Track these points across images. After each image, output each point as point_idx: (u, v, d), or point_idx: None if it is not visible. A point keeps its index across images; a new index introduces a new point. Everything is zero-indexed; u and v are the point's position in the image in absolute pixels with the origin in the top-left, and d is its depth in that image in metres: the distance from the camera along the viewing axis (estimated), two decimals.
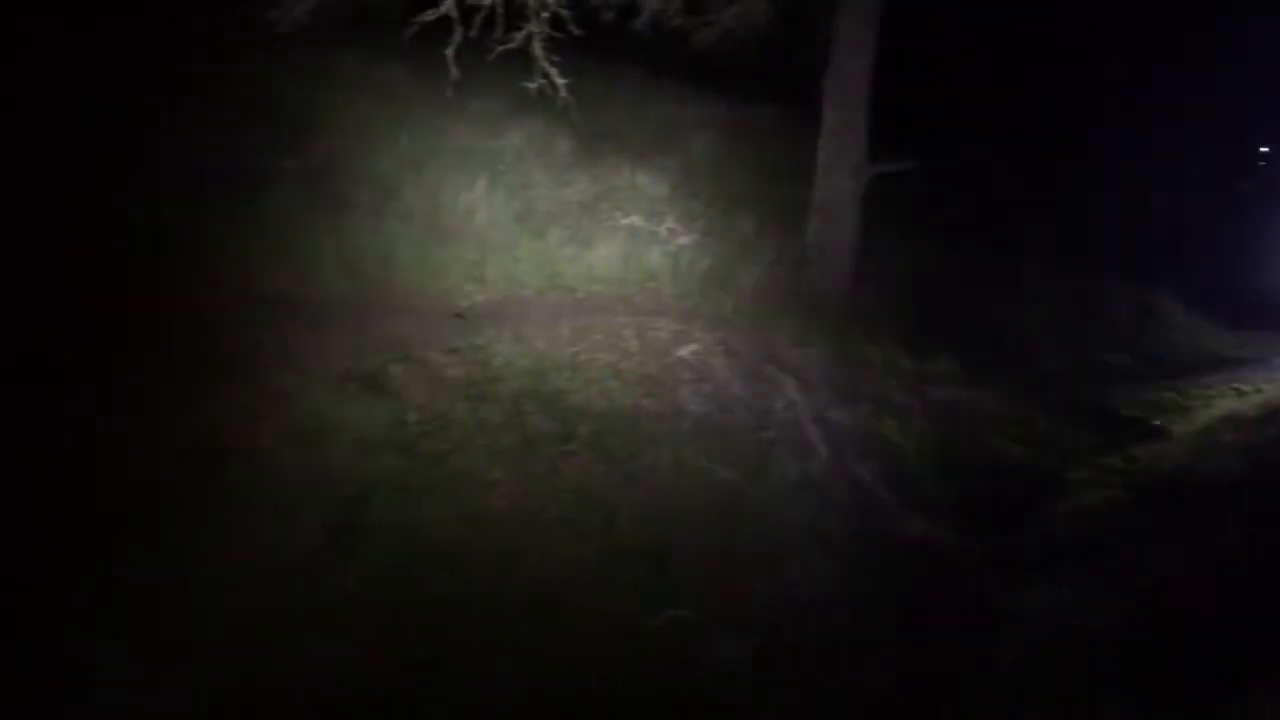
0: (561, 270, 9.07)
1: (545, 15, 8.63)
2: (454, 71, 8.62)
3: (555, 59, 8.71)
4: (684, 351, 8.08)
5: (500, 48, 8.64)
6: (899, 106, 11.41)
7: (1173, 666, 5.39)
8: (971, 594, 6.55)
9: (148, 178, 8.32)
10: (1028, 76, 16.44)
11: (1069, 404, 9.95)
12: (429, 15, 8.55)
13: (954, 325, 10.86)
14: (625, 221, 9.83)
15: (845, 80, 10.04)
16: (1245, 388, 10.34)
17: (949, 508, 7.55)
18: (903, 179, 10.73)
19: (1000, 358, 10.75)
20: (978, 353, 10.33)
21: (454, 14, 8.46)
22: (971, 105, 16.31)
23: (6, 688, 4.57)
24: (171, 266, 7.54)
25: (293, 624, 5.25)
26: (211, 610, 5.16)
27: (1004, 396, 9.63)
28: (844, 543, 6.95)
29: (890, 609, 6.49)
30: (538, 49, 8.65)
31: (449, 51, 8.49)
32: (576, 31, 8.77)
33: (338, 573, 5.62)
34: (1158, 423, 9.43)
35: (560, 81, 8.73)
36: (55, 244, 7.25)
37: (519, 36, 8.64)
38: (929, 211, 13.23)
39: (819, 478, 7.38)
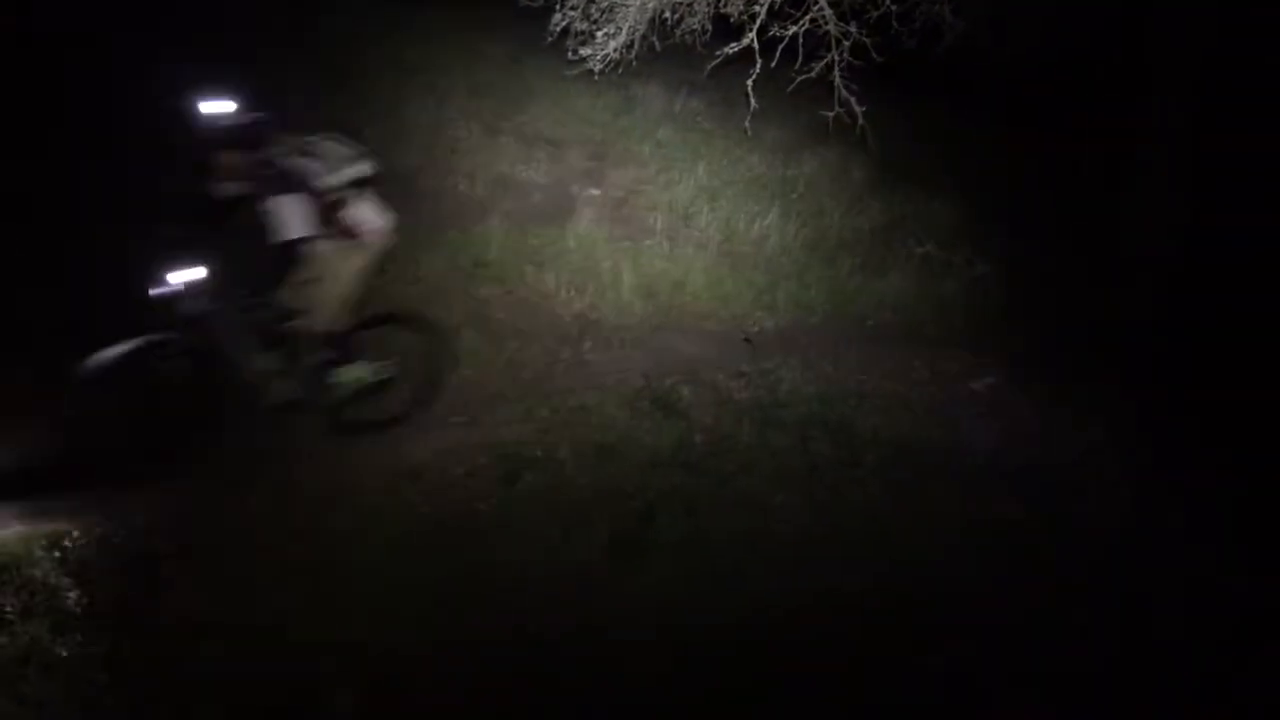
0: (852, 298, 9.01)
1: (846, 43, 8.65)
2: (752, 102, 8.81)
3: (854, 87, 8.70)
4: (978, 385, 7.79)
5: (800, 78, 8.74)
6: None
7: None
8: None
9: (466, 205, 9.09)
10: None
11: None
12: (731, 48, 8.78)
13: None
14: (920, 250, 9.63)
15: (1162, 105, 9.36)
16: None
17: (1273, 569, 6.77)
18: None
19: None
20: None
21: (755, 46, 8.64)
22: None
23: None
24: (483, 292, 8.18)
25: (576, 632, 5.49)
26: (500, 615, 5.51)
27: None
28: (1145, 600, 6.40)
29: (1197, 681, 5.90)
30: (837, 78, 8.68)
31: (749, 83, 8.67)
32: (878, 59, 8.72)
33: (618, 583, 5.83)
34: None
35: (858, 109, 8.71)
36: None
37: (818, 66, 8.70)
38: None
39: (1120, 527, 6.85)
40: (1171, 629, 6.22)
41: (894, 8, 9.25)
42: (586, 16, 9.48)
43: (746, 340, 8.15)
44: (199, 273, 5.52)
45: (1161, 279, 9.55)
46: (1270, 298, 9.80)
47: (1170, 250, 9.48)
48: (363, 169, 5.83)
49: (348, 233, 5.81)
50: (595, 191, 9.82)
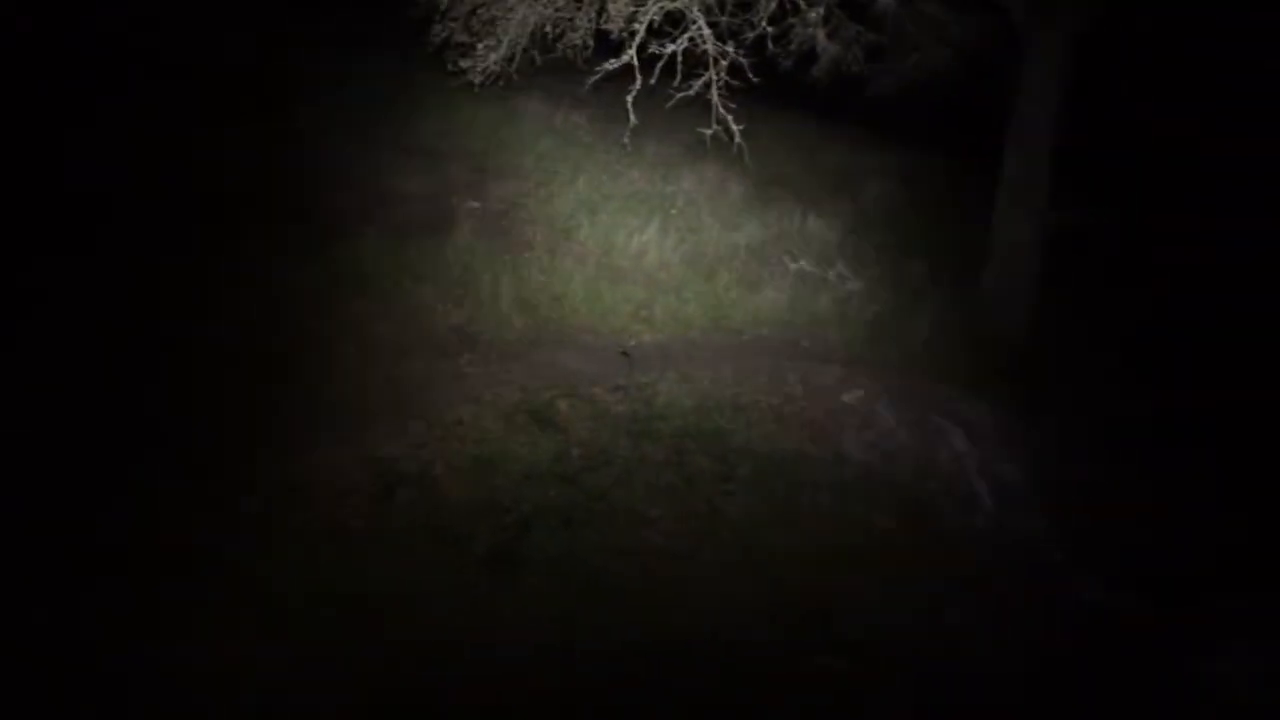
0: (728, 313, 9.15)
1: (724, 63, 8.80)
2: (632, 118, 8.89)
3: (732, 105, 8.86)
4: (849, 397, 8.00)
5: (679, 95, 8.86)
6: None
7: None
8: (1151, 663, 6.20)
9: (345, 217, 8.94)
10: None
11: None
12: (611, 64, 8.85)
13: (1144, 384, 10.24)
14: (794, 266, 9.84)
15: (1028, 126, 9.78)
16: None
17: (1131, 570, 7.16)
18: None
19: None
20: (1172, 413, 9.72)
21: (635, 63, 8.73)
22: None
23: None
24: (357, 303, 8.06)
25: (454, 649, 5.46)
26: (379, 633, 5.44)
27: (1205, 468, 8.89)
28: (1011, 601, 6.70)
29: (1061, 675, 6.21)
30: (715, 96, 8.82)
31: (628, 99, 8.75)
32: (754, 79, 8.90)
33: (498, 599, 5.81)
34: None
35: (735, 128, 8.87)
36: (248, 278, 7.89)
37: (697, 84, 8.83)
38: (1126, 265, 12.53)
39: (986, 532, 7.15)
40: (1040, 633, 6.54)
41: (769, 30, 9.46)
42: (467, 29, 9.44)
43: (624, 354, 8.21)
44: None
45: (1025, 291, 9.95)
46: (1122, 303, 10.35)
47: (1032, 262, 9.87)
48: None
49: None
50: (475, 204, 9.77)
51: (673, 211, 10.46)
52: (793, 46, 10.16)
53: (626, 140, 9.50)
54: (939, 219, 12.20)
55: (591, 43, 9.65)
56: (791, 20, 10.06)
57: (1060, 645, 6.48)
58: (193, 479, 6.06)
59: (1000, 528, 7.21)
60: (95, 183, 8.18)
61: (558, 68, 10.14)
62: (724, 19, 9.32)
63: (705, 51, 8.90)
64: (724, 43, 8.97)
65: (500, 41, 9.37)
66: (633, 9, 8.87)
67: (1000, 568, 6.89)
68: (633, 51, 8.78)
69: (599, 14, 9.36)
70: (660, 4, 8.75)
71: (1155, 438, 8.97)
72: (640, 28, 8.82)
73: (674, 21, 9.05)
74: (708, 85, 8.88)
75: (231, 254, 8.01)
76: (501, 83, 9.68)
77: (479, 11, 9.39)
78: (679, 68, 8.83)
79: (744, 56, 8.95)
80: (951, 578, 6.71)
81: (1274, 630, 6.24)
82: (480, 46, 9.41)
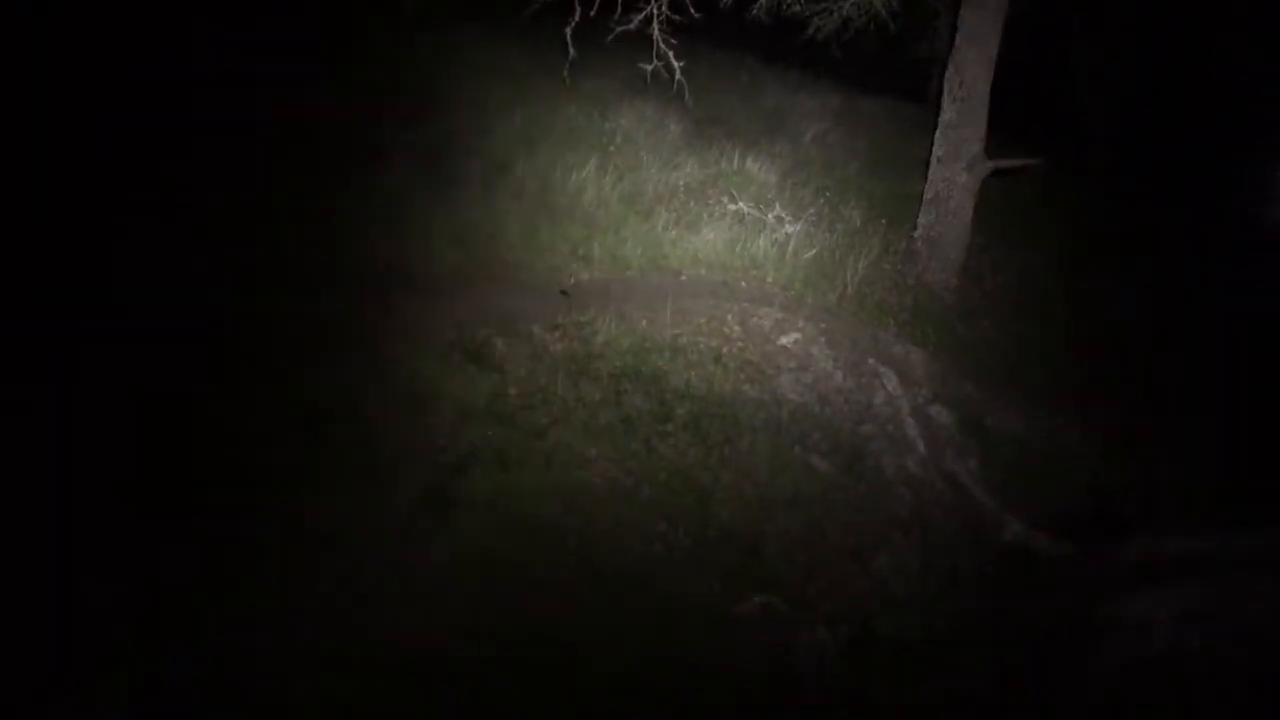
0: (666, 252, 9.07)
1: None
2: (571, 51, 8.69)
3: (673, 42, 8.70)
4: (786, 340, 8.02)
5: (619, 28, 8.67)
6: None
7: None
8: (1067, 601, 6.39)
9: (273, 148, 8.65)
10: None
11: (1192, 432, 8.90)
12: None
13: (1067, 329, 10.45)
14: (733, 207, 9.77)
15: (966, 72, 9.77)
16: None
17: (1048, 513, 7.36)
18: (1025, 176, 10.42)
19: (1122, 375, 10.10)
20: (1090, 363, 9.95)
21: None
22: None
23: None
24: (288, 235, 7.82)
25: (386, 589, 5.41)
26: (310, 573, 5.37)
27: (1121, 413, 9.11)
28: (939, 541, 6.84)
29: (984, 610, 6.39)
30: (656, 31, 8.65)
31: (567, 31, 8.55)
32: (695, 14, 8.75)
33: (432, 540, 5.76)
34: None
35: (676, 64, 8.72)
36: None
37: (638, 18, 8.65)
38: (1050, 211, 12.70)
39: (916, 473, 7.25)
40: (966, 573, 6.70)
41: None
42: None
43: (563, 292, 8.12)
44: None
45: (958, 236, 9.98)
46: None
47: (966, 208, 9.90)
48: None
49: None
50: (408, 138, 9.50)
51: (611, 149, 10.29)
52: None
53: (565, 75, 9.30)
54: (876, 162, 12.22)
55: None
56: None
57: (985, 584, 6.66)
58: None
59: (931, 470, 7.32)
60: None
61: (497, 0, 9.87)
62: None
63: None
64: None
65: None
66: None
67: (930, 509, 7.02)
68: None
69: None
70: None
71: (1085, 384, 9.18)
72: None
73: None
74: (648, 20, 8.70)
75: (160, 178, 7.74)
76: (440, 15, 9.39)
77: None
78: (619, 1, 8.64)
79: None
80: (884, 519, 6.82)
81: (1193, 572, 6.46)
82: None
